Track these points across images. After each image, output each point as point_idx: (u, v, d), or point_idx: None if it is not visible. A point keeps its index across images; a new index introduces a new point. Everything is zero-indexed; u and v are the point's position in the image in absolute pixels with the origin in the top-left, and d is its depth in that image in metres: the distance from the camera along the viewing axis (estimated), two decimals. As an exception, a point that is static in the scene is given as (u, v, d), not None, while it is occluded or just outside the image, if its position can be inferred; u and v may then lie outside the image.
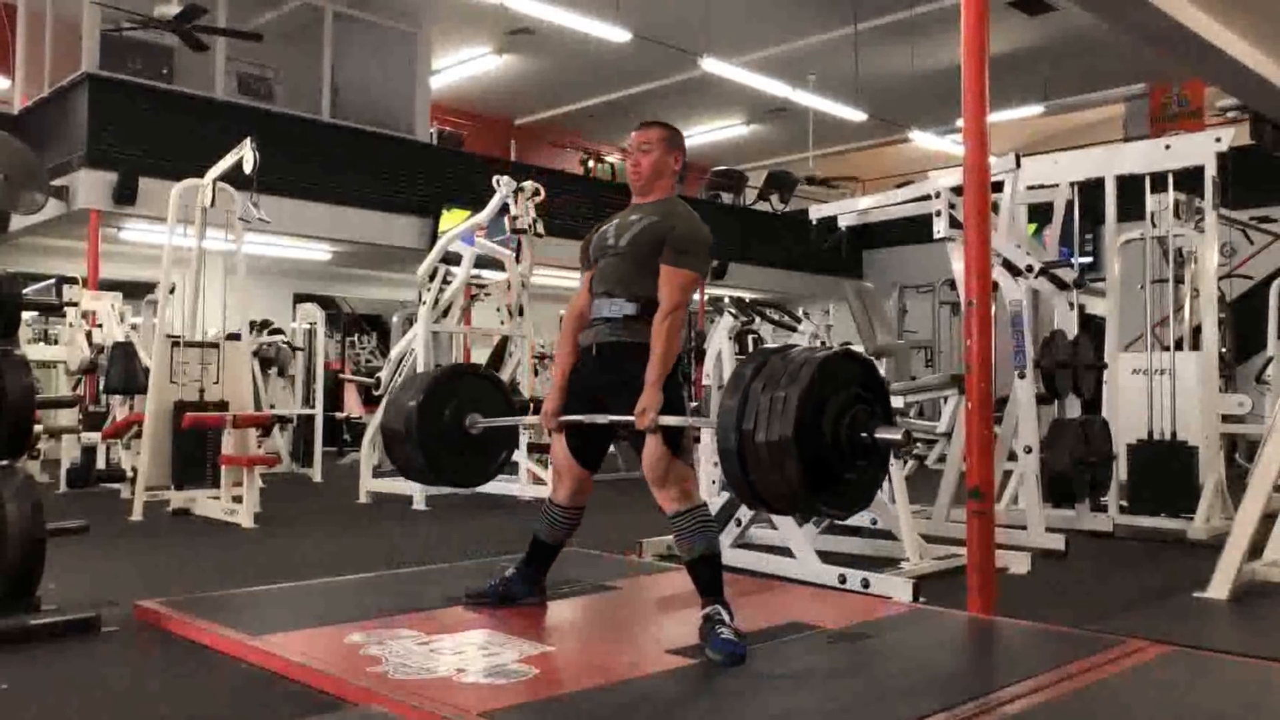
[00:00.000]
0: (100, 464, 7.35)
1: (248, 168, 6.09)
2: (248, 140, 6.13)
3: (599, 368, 3.16)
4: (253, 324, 8.56)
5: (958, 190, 4.18)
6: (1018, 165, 5.01)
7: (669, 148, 3.28)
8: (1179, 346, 6.25)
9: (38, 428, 6.56)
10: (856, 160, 16.62)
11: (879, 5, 11.34)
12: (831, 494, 2.66)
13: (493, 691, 2.55)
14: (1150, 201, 6.22)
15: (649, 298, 3.07)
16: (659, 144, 3.26)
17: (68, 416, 7.96)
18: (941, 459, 6.73)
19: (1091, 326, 6.09)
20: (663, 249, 3.09)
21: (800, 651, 3.01)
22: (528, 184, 6.73)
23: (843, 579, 4.05)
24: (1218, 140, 5.78)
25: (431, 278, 6.87)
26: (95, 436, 7.24)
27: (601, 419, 3.18)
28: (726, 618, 2.91)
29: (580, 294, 3.33)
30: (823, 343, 8.09)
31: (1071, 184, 6.10)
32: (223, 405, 6.22)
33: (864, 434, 2.63)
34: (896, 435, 2.64)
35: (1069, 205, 6.03)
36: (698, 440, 4.34)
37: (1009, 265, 5.00)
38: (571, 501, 3.35)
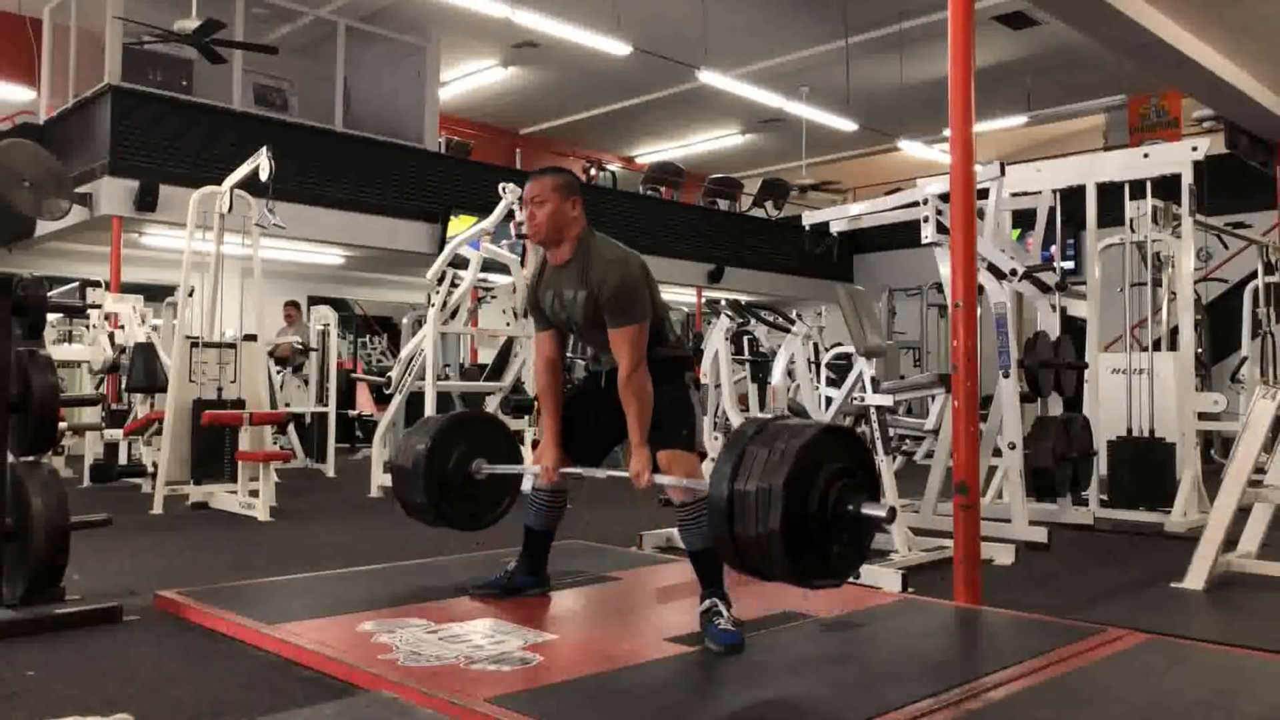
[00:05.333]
0: (122, 460, 7.47)
1: (264, 175, 6.16)
2: (264, 149, 6.20)
3: (612, 390, 3.10)
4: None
5: (945, 197, 4.24)
6: (1002, 173, 5.00)
7: (564, 195, 3.05)
8: (1157, 347, 6.32)
9: (62, 425, 6.68)
10: (848, 169, 16.73)
11: (869, 20, 11.42)
12: (812, 559, 2.55)
13: (498, 678, 2.60)
14: (1129, 208, 6.31)
15: None
16: (552, 194, 3.04)
17: (91, 414, 8.03)
18: (929, 455, 6.78)
19: (1073, 328, 6.14)
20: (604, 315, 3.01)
21: (794, 639, 3.06)
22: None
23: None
24: (1194, 149, 5.79)
25: (440, 281, 6.91)
26: (117, 433, 7.33)
27: (600, 474, 3.24)
28: (724, 609, 2.93)
29: (544, 345, 3.28)
30: (816, 345, 8.24)
31: (1054, 191, 6.13)
32: (240, 403, 6.31)
33: (849, 506, 2.57)
34: (881, 512, 2.57)
35: (1051, 212, 6.05)
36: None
37: (994, 269, 5.03)
38: (556, 485, 3.38)
